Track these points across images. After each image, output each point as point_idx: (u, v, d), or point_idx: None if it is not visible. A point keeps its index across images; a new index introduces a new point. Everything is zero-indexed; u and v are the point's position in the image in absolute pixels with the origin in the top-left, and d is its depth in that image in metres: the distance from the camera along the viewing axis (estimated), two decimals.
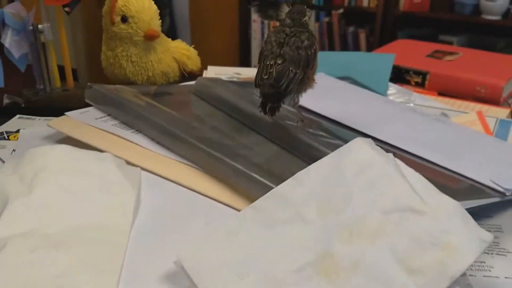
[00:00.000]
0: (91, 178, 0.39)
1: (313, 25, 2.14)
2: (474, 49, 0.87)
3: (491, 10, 1.80)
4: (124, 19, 0.71)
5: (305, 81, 0.52)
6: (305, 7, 0.53)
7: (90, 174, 0.39)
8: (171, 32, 2.55)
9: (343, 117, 0.59)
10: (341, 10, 2.07)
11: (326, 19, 2.12)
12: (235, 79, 0.76)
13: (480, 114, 0.67)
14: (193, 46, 0.82)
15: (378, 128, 0.57)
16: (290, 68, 0.49)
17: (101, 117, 0.53)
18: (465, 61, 0.80)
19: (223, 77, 0.77)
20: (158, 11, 0.75)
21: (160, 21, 0.75)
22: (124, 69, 0.73)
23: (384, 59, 0.80)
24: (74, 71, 0.83)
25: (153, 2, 0.74)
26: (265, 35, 2.33)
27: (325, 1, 2.08)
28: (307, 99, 0.53)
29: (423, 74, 0.78)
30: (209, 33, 2.43)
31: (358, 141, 0.40)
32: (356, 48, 2.13)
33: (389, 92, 0.76)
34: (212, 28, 2.42)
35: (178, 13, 2.49)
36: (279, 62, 0.49)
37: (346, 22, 2.13)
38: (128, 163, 0.44)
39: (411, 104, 0.72)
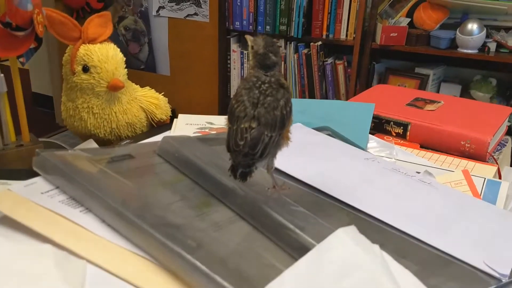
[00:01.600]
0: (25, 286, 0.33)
1: (292, 57, 2.13)
2: (455, 97, 0.85)
3: (468, 44, 1.81)
4: (85, 69, 0.65)
5: (280, 142, 0.47)
6: (275, 44, 0.46)
7: (24, 280, 0.33)
8: (150, 61, 2.50)
9: (320, 181, 0.54)
10: (319, 43, 2.06)
11: (305, 51, 2.11)
12: (206, 130, 0.71)
13: (466, 174, 0.63)
14: (162, 93, 0.77)
15: (358, 195, 0.53)
16: (266, 133, 0.44)
17: (48, 191, 0.47)
18: (447, 111, 0.77)
19: (194, 128, 0.72)
20: (124, 58, 0.70)
21: (126, 70, 0.69)
22: (85, 122, 0.67)
23: (363, 108, 0.77)
24: (50, 98, 0.75)
25: (118, 50, 0.69)
26: (245, 65, 2.29)
27: (303, 33, 2.07)
28: (280, 158, 0.49)
29: (404, 125, 0.74)
30: (189, 62, 2.39)
31: (340, 234, 0.35)
32: (335, 79, 2.12)
33: (369, 145, 0.72)
34: (191, 57, 2.38)
35: (157, 42, 2.44)
36: (253, 125, 0.44)
37: (325, 53, 2.13)
38: (72, 253, 0.38)
39: (393, 160, 0.68)
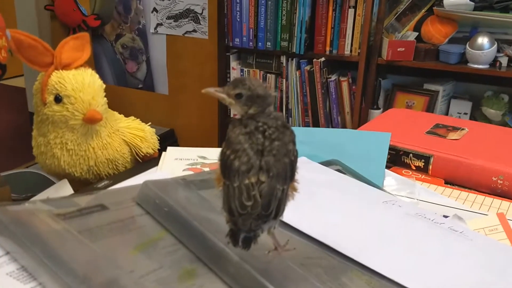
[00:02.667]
0: None
1: (294, 74, 2.05)
2: (480, 123, 0.75)
3: (478, 59, 1.73)
4: (58, 99, 0.57)
5: (288, 195, 0.38)
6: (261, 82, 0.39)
7: None
8: (148, 80, 2.43)
9: (332, 236, 0.45)
10: (322, 59, 1.98)
11: (308, 68, 2.03)
12: (198, 167, 0.62)
13: (502, 218, 0.54)
14: (149, 124, 0.68)
15: (379, 255, 0.43)
16: (277, 186, 0.36)
17: None
18: (474, 140, 0.68)
19: (184, 164, 0.63)
20: (103, 86, 0.61)
21: (105, 99, 0.60)
22: (58, 159, 0.58)
23: (378, 138, 0.67)
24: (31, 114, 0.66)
25: (96, 76, 0.60)
26: None
27: (306, 49, 1.99)
28: None
29: (426, 158, 0.65)
30: (187, 80, 2.32)
31: None
32: (339, 96, 2.04)
33: (386, 183, 0.62)
34: (190, 75, 2.31)
35: (155, 61, 2.37)
36: (263, 179, 0.36)
37: (328, 70, 2.04)
38: None
39: (415, 200, 0.59)
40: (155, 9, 2.27)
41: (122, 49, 2.45)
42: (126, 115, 0.67)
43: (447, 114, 1.90)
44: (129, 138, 0.63)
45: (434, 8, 1.77)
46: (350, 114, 2.06)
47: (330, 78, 2.04)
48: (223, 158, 0.37)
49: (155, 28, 2.30)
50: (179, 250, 0.41)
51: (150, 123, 0.67)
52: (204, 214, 0.45)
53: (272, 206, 0.35)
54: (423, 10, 1.84)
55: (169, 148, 0.66)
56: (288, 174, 0.37)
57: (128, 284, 0.35)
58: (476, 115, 1.89)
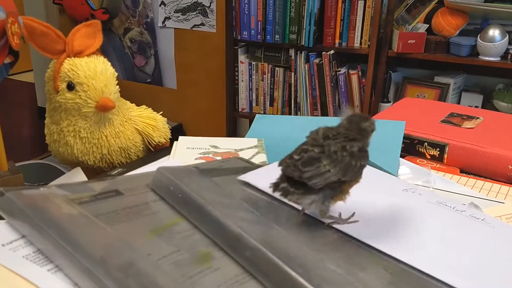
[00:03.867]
0: None
1: (303, 67, 2.04)
2: (495, 112, 0.74)
3: (490, 51, 1.71)
4: (70, 86, 0.56)
5: (337, 190, 0.43)
6: (369, 120, 0.45)
7: None
8: (157, 74, 2.43)
9: (353, 225, 0.45)
10: (331, 51, 1.96)
11: (317, 61, 2.01)
12: (210, 156, 0.62)
13: None
14: (161, 113, 0.67)
15: (401, 243, 0.43)
16: (325, 163, 0.42)
17: (12, 242, 0.37)
18: (489, 129, 0.67)
19: (196, 153, 0.62)
20: (116, 74, 0.61)
21: (117, 87, 0.60)
22: (71, 147, 0.58)
23: (392, 127, 0.66)
24: (42, 110, 0.66)
25: (109, 64, 0.60)
26: (253, 77, 2.21)
27: (315, 42, 1.98)
28: None
29: (441, 147, 0.64)
30: (195, 75, 2.31)
31: None
32: (348, 89, 2.02)
33: (401, 171, 0.62)
34: (198, 69, 2.30)
35: (163, 55, 2.37)
36: (316, 151, 0.42)
37: (338, 63, 2.03)
38: None
39: (430, 189, 0.58)
40: (163, 3, 2.27)
41: (130, 43, 2.45)
42: (162, 111, 0.67)
43: None
44: (141, 127, 0.63)
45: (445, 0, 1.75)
46: (359, 107, 2.05)
47: (339, 71, 2.02)
48: None
49: (163, 22, 2.30)
50: (195, 235, 0.41)
51: (161, 112, 0.67)
52: (219, 199, 0.45)
53: (309, 169, 0.41)
54: (433, 2, 1.82)
55: (180, 138, 0.66)
56: (341, 166, 0.42)
57: (145, 266, 0.35)
58: (487, 108, 1.87)
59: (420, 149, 0.66)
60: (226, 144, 0.66)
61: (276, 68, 2.11)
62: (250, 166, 0.57)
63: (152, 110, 0.67)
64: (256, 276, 0.36)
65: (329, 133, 0.43)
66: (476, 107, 1.86)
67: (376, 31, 1.86)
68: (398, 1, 1.86)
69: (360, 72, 2.01)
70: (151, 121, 0.64)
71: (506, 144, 0.61)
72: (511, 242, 0.47)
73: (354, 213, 0.46)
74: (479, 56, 1.75)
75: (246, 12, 2.04)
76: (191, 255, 0.38)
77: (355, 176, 0.44)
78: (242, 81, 2.19)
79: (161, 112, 0.67)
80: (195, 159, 0.61)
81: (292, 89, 2.11)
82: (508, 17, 1.73)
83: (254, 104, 2.21)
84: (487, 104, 1.87)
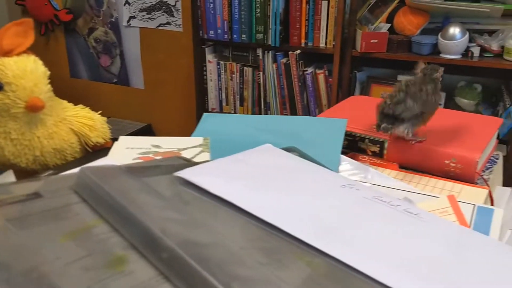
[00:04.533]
0: None
1: (271, 67, 2.04)
2: (441, 109, 0.75)
3: (450, 49, 1.74)
4: None
5: (419, 119, 0.62)
6: (438, 66, 0.66)
7: None
8: (123, 74, 2.40)
9: (281, 217, 0.44)
10: (298, 51, 1.97)
11: (284, 60, 2.02)
12: (150, 155, 0.61)
13: (452, 200, 0.53)
14: (100, 112, 0.66)
15: (331, 236, 0.43)
16: (409, 101, 0.61)
17: None
18: (429, 125, 0.68)
19: (135, 153, 0.61)
20: (48, 73, 0.59)
21: (49, 86, 0.59)
22: (1, 149, 0.56)
23: (334, 125, 0.67)
24: None
25: (40, 63, 0.58)
26: (222, 76, 2.20)
27: (281, 41, 1.98)
28: (241, 191, 0.40)
29: (381, 143, 0.65)
30: (163, 74, 2.29)
31: None
32: (316, 89, 2.03)
33: (341, 167, 0.62)
34: (166, 69, 2.28)
35: (129, 54, 2.34)
36: (402, 95, 0.62)
37: (305, 63, 2.04)
38: None
39: (369, 184, 0.58)
40: (127, 2, 2.24)
41: (95, 43, 2.41)
42: (102, 110, 0.65)
43: None
44: (77, 127, 0.61)
45: None
46: (327, 106, 2.06)
47: (306, 70, 2.03)
48: None
49: (128, 21, 2.27)
50: (113, 238, 0.40)
51: (100, 111, 0.66)
52: (144, 199, 0.44)
53: (400, 108, 0.61)
54: (395, 2, 1.84)
55: (121, 137, 0.64)
56: (420, 102, 0.61)
57: (50, 271, 0.33)
58: (450, 105, 1.91)
59: (361, 146, 0.67)
60: (169, 144, 0.65)
61: (245, 68, 2.11)
62: (188, 164, 0.56)
63: (89, 110, 0.65)
64: (170, 278, 0.36)
65: (409, 83, 0.63)
66: (440, 104, 1.90)
67: (339, 31, 1.87)
68: (361, 1, 1.88)
69: (326, 72, 2.03)
70: (88, 121, 0.62)
71: (442, 140, 0.62)
72: (441, 236, 0.47)
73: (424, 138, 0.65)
74: (441, 54, 1.78)
75: (212, 11, 2.03)
76: (104, 259, 0.37)
77: (432, 108, 0.63)
78: (211, 80, 2.18)
79: (100, 112, 0.66)
80: (133, 159, 0.60)
81: (261, 88, 2.11)
82: (468, 15, 1.76)
83: (224, 104, 2.21)
84: (450, 101, 1.91)
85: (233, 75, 2.13)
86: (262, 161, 0.57)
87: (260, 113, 2.14)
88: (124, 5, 2.25)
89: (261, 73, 2.08)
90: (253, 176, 0.52)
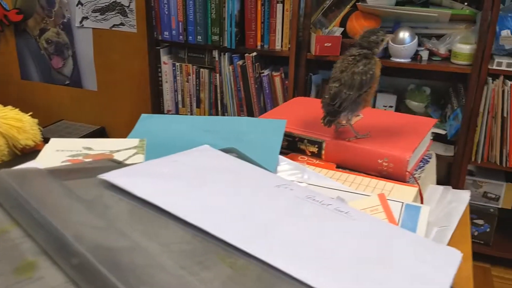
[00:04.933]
0: None
1: (227, 68, 2.03)
2: (376, 109, 0.77)
3: (400, 53, 1.79)
4: None
5: (359, 101, 0.62)
6: (377, 32, 0.64)
7: None
8: (75, 76, 2.33)
9: (209, 220, 0.43)
10: (254, 54, 1.97)
11: (240, 62, 2.02)
12: (80, 158, 0.59)
13: (382, 198, 0.54)
14: (30, 114, 0.63)
15: (254, 237, 0.42)
16: (344, 91, 0.61)
17: None
18: (365, 125, 0.69)
19: (65, 155, 0.59)
20: None
21: None
22: None
23: (274, 125, 0.67)
24: None
25: None
26: (178, 78, 2.17)
27: (237, 43, 1.98)
28: (172, 194, 0.40)
29: (319, 144, 0.65)
30: (117, 76, 2.24)
31: None
32: (273, 91, 2.04)
33: (280, 167, 0.62)
34: (120, 70, 2.23)
35: (82, 55, 2.28)
36: (336, 85, 0.62)
37: (261, 65, 2.05)
38: None
39: (304, 184, 0.59)
40: (80, 2, 2.18)
41: (46, 44, 2.33)
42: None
43: (374, 107, 1.95)
44: (4, 129, 0.58)
45: (358, 3, 1.81)
46: None
47: (263, 73, 2.04)
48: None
49: (81, 22, 2.21)
50: (26, 243, 0.38)
51: (31, 113, 0.63)
52: (62, 203, 0.42)
53: (337, 100, 0.61)
54: (348, 6, 1.88)
55: (52, 139, 0.62)
56: (356, 86, 0.61)
57: None
58: (401, 107, 1.96)
59: (301, 146, 0.67)
60: (102, 146, 0.63)
61: (201, 69, 2.09)
62: (118, 167, 0.54)
63: (19, 111, 0.63)
64: (80, 285, 0.34)
65: (342, 67, 0.62)
66: (391, 106, 1.95)
67: (294, 35, 1.89)
68: (315, 5, 1.91)
69: (283, 74, 2.04)
70: (16, 123, 0.60)
71: (377, 140, 0.63)
72: (369, 234, 0.48)
73: (368, 133, 0.66)
74: (391, 58, 1.83)
75: (166, 12, 2.00)
76: (12, 265, 0.35)
77: (368, 86, 0.62)
78: (166, 82, 2.15)
79: (30, 113, 0.63)
80: (62, 162, 0.58)
81: (218, 90, 2.10)
82: (417, 20, 1.82)
83: (180, 106, 2.18)
84: (401, 103, 1.96)
85: (189, 76, 2.11)
86: (196, 162, 0.56)
87: (217, 115, 2.13)
88: (77, 5, 2.19)
89: (217, 75, 2.07)
90: (184, 177, 0.51)
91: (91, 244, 0.36)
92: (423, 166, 0.65)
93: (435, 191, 0.64)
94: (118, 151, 0.62)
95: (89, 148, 0.61)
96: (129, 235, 0.39)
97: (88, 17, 2.18)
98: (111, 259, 0.35)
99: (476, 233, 1.88)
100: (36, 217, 0.39)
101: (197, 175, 0.53)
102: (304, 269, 0.39)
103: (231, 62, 2.05)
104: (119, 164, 0.56)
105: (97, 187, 0.47)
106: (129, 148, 0.63)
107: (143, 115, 0.72)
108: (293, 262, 0.39)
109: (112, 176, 0.47)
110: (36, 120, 0.63)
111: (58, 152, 0.59)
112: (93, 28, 2.19)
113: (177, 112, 2.18)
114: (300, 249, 0.42)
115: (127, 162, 0.59)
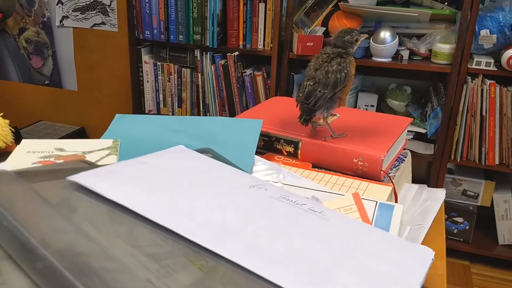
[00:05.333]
0: None
1: (209, 68, 2.02)
2: (353, 109, 0.77)
3: (381, 53, 1.80)
4: None
5: (334, 100, 0.63)
6: (351, 32, 0.64)
7: None
8: (55, 76, 2.29)
9: (180, 221, 0.43)
10: (236, 53, 1.97)
11: (222, 62, 2.01)
12: (52, 159, 0.57)
13: (356, 197, 0.55)
14: (1, 115, 0.62)
15: (230, 239, 0.42)
16: (319, 89, 0.62)
17: None
18: (341, 125, 0.69)
19: (36, 157, 0.58)
20: None
21: None
22: None
23: (250, 125, 0.66)
24: None
25: None
26: (159, 77, 2.15)
27: (219, 43, 1.97)
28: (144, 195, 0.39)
29: (295, 143, 0.65)
30: (98, 76, 2.21)
31: None
32: (255, 91, 2.04)
33: (256, 168, 0.62)
34: (100, 70, 2.20)
35: (62, 55, 2.24)
36: (311, 83, 0.63)
37: (243, 64, 2.04)
38: None
39: (279, 184, 0.58)
40: (60, 1, 2.14)
41: (26, 44, 2.29)
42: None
43: (355, 106, 1.97)
44: None
45: (340, 3, 1.82)
46: None
47: (245, 72, 2.04)
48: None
49: (61, 21, 2.17)
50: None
51: (2, 114, 0.62)
52: (26, 207, 0.41)
53: (311, 99, 0.61)
54: (330, 6, 1.89)
55: (24, 141, 0.60)
56: (330, 85, 0.61)
57: None
58: (382, 106, 1.98)
59: (277, 146, 0.67)
60: (75, 147, 0.62)
61: (183, 69, 2.08)
62: (89, 168, 0.53)
63: None
64: None
65: (317, 65, 0.63)
66: (372, 106, 1.97)
67: (277, 34, 1.89)
68: (297, 5, 1.91)
69: (265, 74, 2.04)
70: None
71: (352, 139, 0.64)
72: (341, 234, 0.48)
73: (344, 132, 0.67)
74: (372, 58, 1.84)
75: (148, 11, 1.98)
76: None
77: (343, 84, 0.62)
78: (148, 81, 2.13)
79: (1, 114, 0.62)
80: (33, 163, 0.56)
81: (200, 90, 2.09)
82: (398, 20, 1.84)
83: (161, 106, 2.16)
84: (382, 103, 1.98)
85: (170, 76, 2.10)
86: (169, 163, 0.56)
87: (199, 115, 2.12)
88: (57, 4, 2.15)
89: (199, 74, 2.06)
90: (155, 178, 0.50)
91: (56, 248, 0.36)
92: (398, 165, 0.65)
93: (410, 190, 0.65)
94: (90, 152, 0.61)
95: (61, 149, 0.60)
96: (96, 238, 0.39)
97: (69, 16, 2.15)
98: (77, 264, 0.34)
99: (455, 231, 1.91)
100: (0, 220, 0.38)
101: (169, 176, 0.52)
102: (273, 270, 0.39)
103: (213, 61, 2.04)
104: (91, 166, 0.55)
105: (66, 189, 0.46)
106: (102, 149, 0.62)
107: (117, 115, 0.71)
108: (262, 263, 0.39)
109: (81, 178, 0.46)
110: (7, 121, 0.62)
111: (29, 154, 0.58)
112: (73, 28, 2.16)
113: (158, 112, 2.16)
114: (271, 249, 0.42)
115: (100, 163, 0.58)
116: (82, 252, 0.36)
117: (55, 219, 0.41)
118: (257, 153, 0.64)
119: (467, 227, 1.89)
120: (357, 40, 0.63)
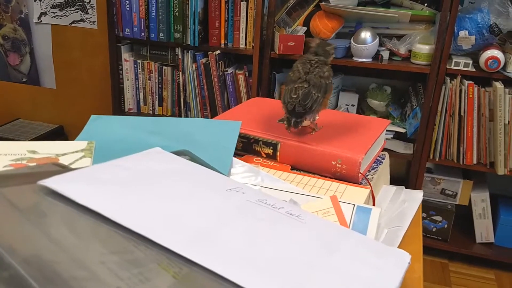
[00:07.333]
0: None
1: (190, 66, 2.01)
2: (332, 110, 0.77)
3: (362, 53, 1.82)
4: None
5: (321, 104, 0.65)
6: (331, 44, 0.68)
7: None
8: (33, 73, 2.24)
9: (153, 226, 0.42)
10: (217, 52, 1.96)
11: (203, 60, 2.00)
12: (24, 162, 0.56)
13: (334, 200, 0.54)
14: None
15: (203, 244, 0.41)
16: (314, 92, 0.63)
17: None
18: (321, 127, 0.69)
19: (8, 160, 0.56)
20: None
21: None
22: None
23: (228, 127, 0.66)
24: None
25: None
26: (139, 76, 2.12)
27: (201, 41, 1.96)
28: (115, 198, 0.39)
29: (274, 145, 0.65)
30: (77, 73, 2.17)
31: None
32: (236, 89, 2.03)
33: (234, 170, 0.61)
34: (79, 68, 2.16)
35: (40, 52, 2.19)
36: (305, 86, 0.63)
37: (225, 63, 2.03)
38: None
39: (257, 187, 0.58)
40: None
41: (3, 41, 2.24)
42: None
43: (336, 106, 1.98)
44: None
45: (321, 3, 1.82)
46: None
47: (227, 71, 2.03)
48: (287, 76, 0.66)
49: (39, 18, 2.13)
50: None
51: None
52: (16, 216, 0.39)
53: (308, 101, 0.62)
54: (311, 5, 1.89)
55: None
56: (323, 89, 0.64)
57: None
58: (363, 106, 1.99)
59: (256, 148, 0.66)
60: (48, 149, 0.60)
61: (164, 67, 2.06)
62: (61, 171, 0.52)
63: None
64: None
65: (306, 69, 0.64)
66: (353, 105, 1.98)
67: (258, 33, 1.89)
68: (279, 4, 1.91)
69: (247, 73, 2.03)
70: None
71: (330, 141, 0.63)
72: (317, 237, 0.47)
73: (322, 127, 0.69)
74: (353, 58, 1.85)
75: (128, 8, 1.96)
76: None
77: (329, 90, 0.65)
78: (128, 80, 2.10)
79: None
80: (4, 166, 0.55)
81: (181, 88, 2.07)
82: (379, 20, 1.85)
83: (142, 104, 2.14)
84: (363, 102, 2.00)
85: (151, 74, 2.08)
86: (145, 165, 0.55)
87: (180, 114, 2.10)
88: (35, 1, 2.11)
89: (180, 73, 2.04)
90: (130, 182, 0.49)
91: (23, 256, 0.34)
92: (376, 167, 0.66)
93: (388, 192, 0.65)
94: (64, 154, 0.59)
95: (34, 152, 0.59)
96: (65, 246, 0.37)
97: (47, 13, 2.10)
98: (45, 272, 0.33)
99: (434, 229, 1.94)
100: None
101: (144, 180, 0.51)
102: (248, 276, 0.38)
103: (194, 60, 2.02)
104: (64, 169, 0.54)
105: (37, 194, 0.45)
106: (76, 151, 0.60)
107: (93, 116, 0.70)
108: (238, 269, 0.38)
109: (52, 182, 0.45)
110: None
111: (0, 156, 0.56)
112: (52, 24, 2.11)
113: (139, 111, 2.13)
114: (246, 255, 0.41)
115: (73, 166, 0.56)
116: (50, 259, 0.35)
117: (23, 226, 0.39)
118: (235, 155, 0.64)
119: (446, 226, 1.92)
120: (333, 54, 0.68)
